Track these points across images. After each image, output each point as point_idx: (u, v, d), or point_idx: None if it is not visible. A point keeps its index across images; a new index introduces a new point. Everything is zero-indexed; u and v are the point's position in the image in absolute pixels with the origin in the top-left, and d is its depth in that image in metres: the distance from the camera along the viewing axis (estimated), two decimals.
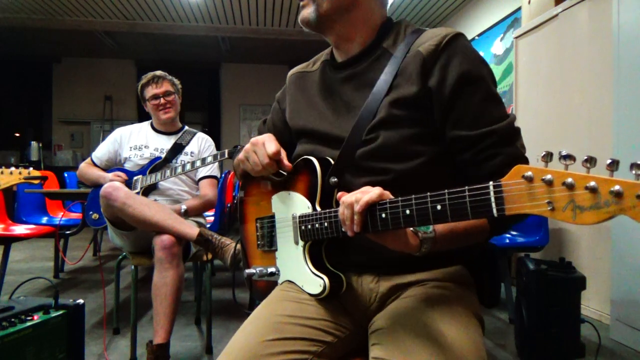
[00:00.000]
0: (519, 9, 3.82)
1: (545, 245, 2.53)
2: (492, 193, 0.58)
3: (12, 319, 1.25)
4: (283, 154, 0.94)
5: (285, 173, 0.95)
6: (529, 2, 3.28)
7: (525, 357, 1.94)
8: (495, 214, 0.58)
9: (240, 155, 0.98)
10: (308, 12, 0.94)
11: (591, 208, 0.48)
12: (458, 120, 0.85)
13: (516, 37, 3.31)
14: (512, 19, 4.22)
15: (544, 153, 0.53)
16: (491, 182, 0.58)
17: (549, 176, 0.51)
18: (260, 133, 1.20)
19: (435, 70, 0.85)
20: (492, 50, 4.54)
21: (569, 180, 0.49)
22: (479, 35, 4.82)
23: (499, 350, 2.12)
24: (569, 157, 0.51)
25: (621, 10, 2.21)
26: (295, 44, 6.73)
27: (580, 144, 2.64)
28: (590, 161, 0.50)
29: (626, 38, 2.18)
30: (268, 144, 0.93)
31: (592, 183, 0.47)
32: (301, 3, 0.95)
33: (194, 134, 2.39)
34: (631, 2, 2.15)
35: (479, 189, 0.60)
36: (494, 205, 0.58)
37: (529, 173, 0.53)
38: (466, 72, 0.84)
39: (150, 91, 2.26)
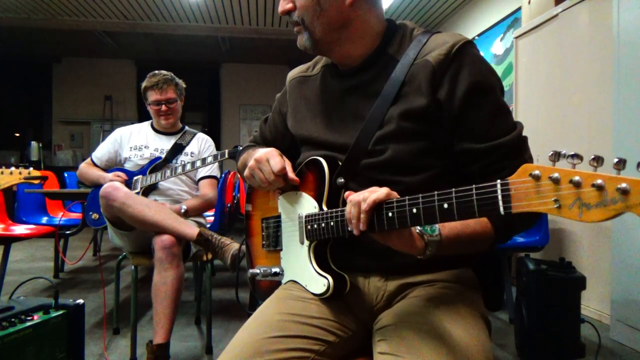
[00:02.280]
0: (519, 9, 3.82)
1: (545, 245, 2.53)
2: (499, 191, 0.58)
3: (12, 319, 1.25)
4: (289, 167, 0.93)
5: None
6: (529, 2, 3.28)
7: (525, 357, 1.94)
8: (502, 212, 0.58)
9: (246, 172, 0.97)
10: (303, 39, 0.95)
11: (598, 205, 0.48)
12: (466, 133, 0.84)
13: (516, 37, 3.31)
14: (512, 19, 4.22)
15: (552, 152, 0.53)
16: (499, 180, 0.58)
17: (556, 174, 0.51)
18: (261, 132, 1.20)
19: (445, 81, 0.84)
20: (492, 50, 4.54)
21: (576, 178, 0.49)
22: (479, 35, 4.81)
23: (499, 350, 2.12)
24: (576, 157, 0.51)
25: (621, 10, 2.21)
26: (295, 44, 6.70)
27: (580, 144, 2.64)
28: (598, 160, 0.50)
29: (626, 38, 2.18)
30: (272, 160, 0.92)
31: (599, 181, 0.47)
32: (295, 30, 0.96)
33: (194, 134, 2.38)
34: (631, 2, 2.15)
35: (486, 187, 0.60)
36: (500, 203, 0.58)
37: (537, 172, 0.53)
38: (475, 83, 0.83)
39: (153, 96, 2.24)
